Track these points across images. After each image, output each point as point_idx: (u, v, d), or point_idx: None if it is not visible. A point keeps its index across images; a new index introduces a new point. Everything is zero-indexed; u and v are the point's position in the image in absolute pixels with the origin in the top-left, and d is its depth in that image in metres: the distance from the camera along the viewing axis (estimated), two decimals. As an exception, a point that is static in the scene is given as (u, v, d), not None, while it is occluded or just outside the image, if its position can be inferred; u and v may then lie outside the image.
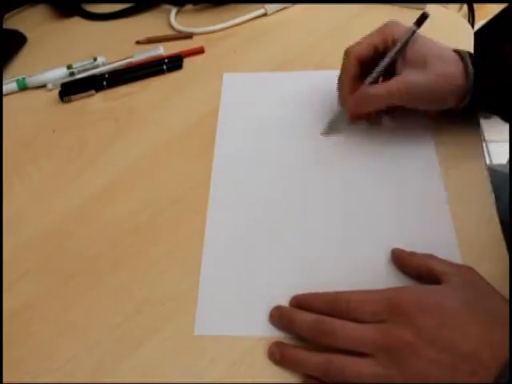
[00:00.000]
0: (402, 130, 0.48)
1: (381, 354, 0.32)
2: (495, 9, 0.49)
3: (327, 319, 0.34)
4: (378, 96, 0.44)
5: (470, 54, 0.44)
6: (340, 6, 0.62)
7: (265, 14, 0.63)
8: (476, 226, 0.42)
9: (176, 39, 0.61)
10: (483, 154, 0.46)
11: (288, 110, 0.52)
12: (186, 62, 0.58)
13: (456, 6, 0.79)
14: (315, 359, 0.34)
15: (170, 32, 0.62)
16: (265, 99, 0.53)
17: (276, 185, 0.46)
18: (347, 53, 0.45)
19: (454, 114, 0.46)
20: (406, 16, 0.60)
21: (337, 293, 0.36)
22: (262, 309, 0.38)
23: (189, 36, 0.61)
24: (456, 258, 0.39)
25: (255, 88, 0.54)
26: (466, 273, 0.36)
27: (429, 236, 0.41)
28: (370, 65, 0.45)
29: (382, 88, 0.44)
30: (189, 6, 0.65)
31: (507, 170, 0.65)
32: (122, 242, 0.43)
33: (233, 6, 0.63)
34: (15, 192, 0.48)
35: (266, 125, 0.51)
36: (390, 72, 0.44)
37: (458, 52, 0.44)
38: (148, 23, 0.64)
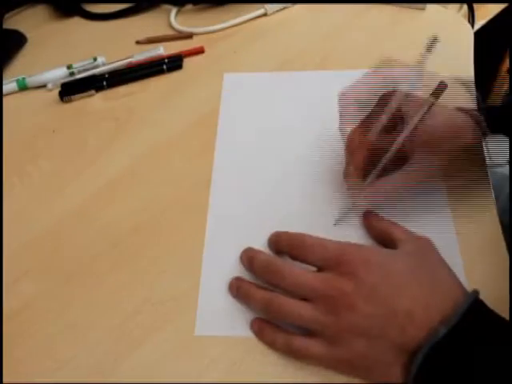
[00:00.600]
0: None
1: (319, 301, 0.34)
2: (495, 9, 0.49)
3: (279, 261, 0.37)
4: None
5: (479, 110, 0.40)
6: (340, 5, 0.62)
7: (265, 14, 0.63)
8: (476, 226, 0.42)
9: (176, 39, 0.61)
10: (484, 154, 0.46)
11: (288, 110, 0.52)
12: (186, 61, 0.58)
13: (456, 5, 0.79)
14: (260, 294, 0.36)
15: (170, 32, 0.62)
16: (265, 99, 0.53)
17: (277, 185, 0.46)
18: (352, 149, 0.40)
19: None
20: (406, 16, 0.61)
21: (299, 233, 0.38)
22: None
23: (189, 36, 0.61)
24: (456, 258, 0.39)
25: (256, 88, 0.54)
26: (422, 243, 0.37)
27: (429, 236, 0.41)
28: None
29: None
30: (189, 6, 0.65)
31: (506, 170, 0.65)
32: (121, 242, 0.43)
33: (233, 5, 0.63)
34: (15, 192, 0.48)
35: (266, 125, 0.51)
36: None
37: (467, 113, 0.40)
38: (148, 23, 0.64)
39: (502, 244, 0.40)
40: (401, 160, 0.39)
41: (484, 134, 0.39)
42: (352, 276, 0.33)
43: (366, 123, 0.40)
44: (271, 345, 0.36)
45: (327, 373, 0.35)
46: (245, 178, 0.47)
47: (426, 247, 0.37)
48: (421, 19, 0.60)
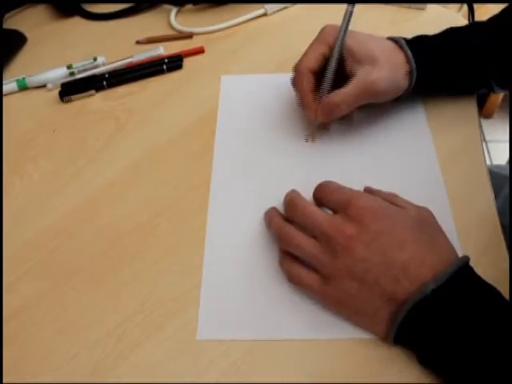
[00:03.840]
0: (400, 131, 0.48)
1: (322, 239, 0.36)
2: (495, 9, 0.49)
3: (300, 199, 0.39)
4: (346, 102, 0.44)
5: (403, 38, 0.47)
6: (340, 6, 0.61)
7: (265, 14, 0.63)
8: (476, 226, 0.42)
9: (176, 39, 0.61)
10: (483, 154, 0.46)
11: (287, 110, 0.52)
12: (186, 61, 0.58)
13: (456, 5, 0.79)
14: (277, 221, 0.39)
15: (170, 32, 0.62)
16: (263, 100, 0.53)
17: (276, 184, 0.46)
18: (298, 68, 0.45)
19: (402, 97, 0.47)
20: (406, 16, 0.61)
21: (328, 181, 0.40)
22: (265, 311, 0.38)
23: (189, 36, 0.61)
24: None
25: (253, 89, 0.54)
26: (424, 211, 0.38)
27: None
28: (320, 73, 0.45)
29: (347, 93, 0.43)
30: (189, 6, 0.65)
31: (505, 171, 0.65)
32: (121, 242, 0.43)
33: (233, 6, 0.63)
34: (15, 192, 0.48)
35: (264, 125, 0.51)
36: (339, 73, 0.44)
37: (391, 39, 0.47)
38: (148, 23, 0.64)
39: (502, 244, 0.40)
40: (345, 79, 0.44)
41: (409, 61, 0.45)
42: (357, 221, 0.35)
43: (306, 55, 0.45)
44: (280, 264, 0.39)
45: (329, 373, 0.35)
46: (244, 177, 0.47)
47: (427, 215, 0.38)
48: (421, 19, 0.60)
